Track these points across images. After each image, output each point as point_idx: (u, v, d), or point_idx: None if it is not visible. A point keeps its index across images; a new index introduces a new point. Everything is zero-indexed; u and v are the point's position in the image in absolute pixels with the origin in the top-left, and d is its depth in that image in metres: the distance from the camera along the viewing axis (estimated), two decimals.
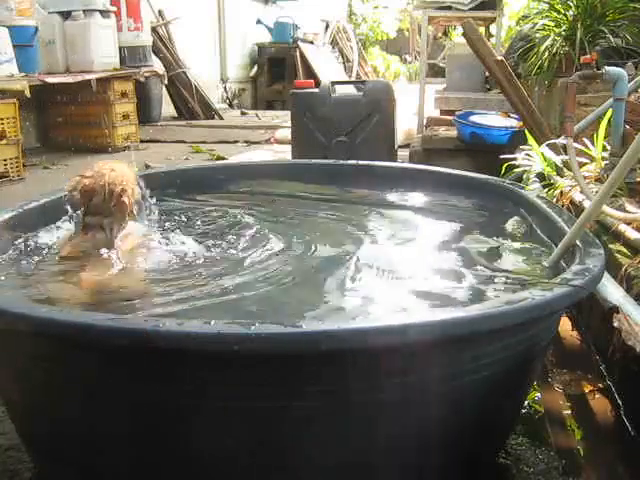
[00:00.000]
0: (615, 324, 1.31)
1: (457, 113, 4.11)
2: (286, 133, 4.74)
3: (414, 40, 13.86)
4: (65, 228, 1.59)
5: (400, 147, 4.16)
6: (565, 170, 2.46)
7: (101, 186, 1.47)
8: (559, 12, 3.85)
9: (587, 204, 1.93)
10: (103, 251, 1.46)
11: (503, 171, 2.74)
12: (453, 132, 4.07)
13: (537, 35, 4.04)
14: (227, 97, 8.70)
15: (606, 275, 1.34)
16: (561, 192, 2.26)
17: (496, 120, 3.85)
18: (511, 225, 1.75)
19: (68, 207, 1.51)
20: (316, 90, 3.70)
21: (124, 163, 1.61)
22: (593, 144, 2.39)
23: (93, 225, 1.50)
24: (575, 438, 1.43)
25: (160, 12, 6.72)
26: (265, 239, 1.67)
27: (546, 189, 2.37)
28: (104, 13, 5.11)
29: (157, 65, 6.30)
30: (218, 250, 1.61)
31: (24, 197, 1.77)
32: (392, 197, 2.09)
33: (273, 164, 2.82)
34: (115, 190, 1.48)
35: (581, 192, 2.10)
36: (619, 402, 1.50)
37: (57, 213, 1.58)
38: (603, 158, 2.32)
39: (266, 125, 6.47)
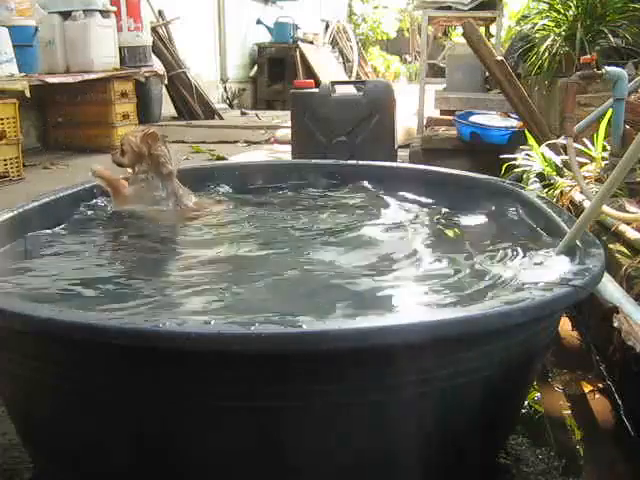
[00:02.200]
0: (615, 324, 1.31)
1: (457, 113, 4.11)
2: (286, 133, 4.74)
3: (414, 40, 13.88)
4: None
5: (400, 147, 4.15)
6: (565, 170, 2.46)
7: (132, 143, 1.87)
8: (559, 12, 3.85)
9: (587, 204, 1.93)
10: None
11: (503, 171, 2.74)
12: (453, 132, 4.07)
13: (537, 35, 4.05)
14: (227, 97, 8.70)
15: (606, 275, 1.34)
16: (561, 192, 2.26)
17: (496, 120, 3.85)
18: (510, 225, 1.75)
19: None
20: (316, 90, 3.70)
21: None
22: (593, 144, 2.39)
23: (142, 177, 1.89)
24: (575, 438, 1.43)
25: (160, 12, 6.72)
26: (259, 240, 1.67)
27: (546, 189, 2.37)
28: (104, 13, 5.11)
29: (157, 65, 6.31)
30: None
31: (24, 197, 1.78)
32: (391, 197, 2.09)
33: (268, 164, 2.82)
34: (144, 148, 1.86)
35: (581, 192, 2.10)
36: (619, 402, 1.49)
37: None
38: (603, 158, 2.32)
39: (266, 125, 6.47)
